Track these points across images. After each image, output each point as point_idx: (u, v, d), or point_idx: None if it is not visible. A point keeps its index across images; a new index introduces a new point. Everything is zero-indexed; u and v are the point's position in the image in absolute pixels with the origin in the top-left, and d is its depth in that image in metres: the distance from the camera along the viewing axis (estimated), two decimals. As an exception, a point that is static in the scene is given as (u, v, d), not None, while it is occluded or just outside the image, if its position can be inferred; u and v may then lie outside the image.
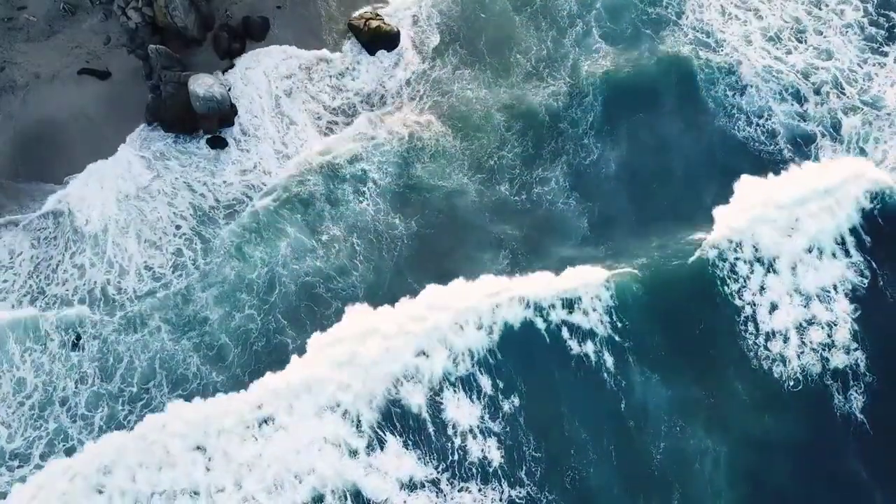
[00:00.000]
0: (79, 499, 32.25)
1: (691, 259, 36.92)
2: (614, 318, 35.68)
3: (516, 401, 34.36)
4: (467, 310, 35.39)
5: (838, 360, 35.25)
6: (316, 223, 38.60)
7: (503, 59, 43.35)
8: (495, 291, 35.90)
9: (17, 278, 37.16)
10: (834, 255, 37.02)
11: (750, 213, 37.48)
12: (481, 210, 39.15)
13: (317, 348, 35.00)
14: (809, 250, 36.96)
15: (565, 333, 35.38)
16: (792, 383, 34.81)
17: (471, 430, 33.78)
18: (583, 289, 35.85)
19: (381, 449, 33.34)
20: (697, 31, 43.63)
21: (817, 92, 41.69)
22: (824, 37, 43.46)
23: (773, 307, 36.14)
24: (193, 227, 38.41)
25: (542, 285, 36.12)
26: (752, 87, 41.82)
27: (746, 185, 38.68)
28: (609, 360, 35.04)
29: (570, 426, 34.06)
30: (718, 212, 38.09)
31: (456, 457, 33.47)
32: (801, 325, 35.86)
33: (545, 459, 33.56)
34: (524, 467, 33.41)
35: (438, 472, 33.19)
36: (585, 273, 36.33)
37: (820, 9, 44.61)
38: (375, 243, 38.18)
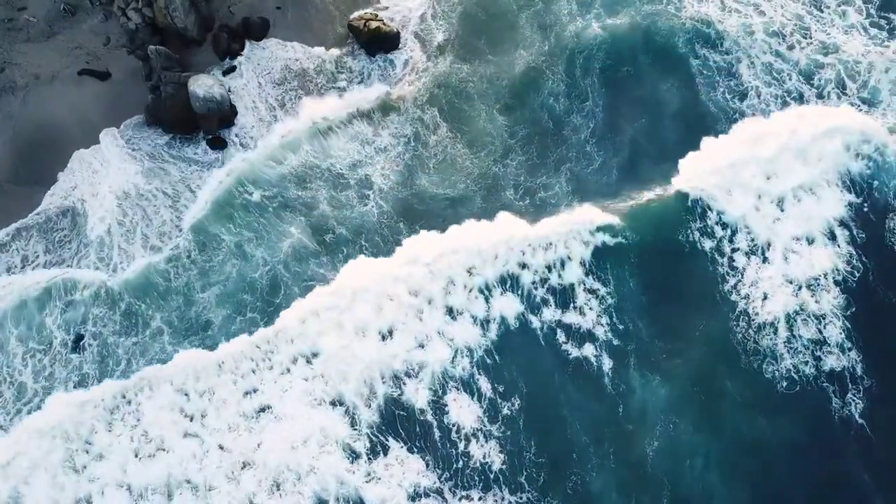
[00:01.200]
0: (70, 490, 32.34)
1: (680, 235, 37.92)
2: (613, 317, 36.01)
3: (516, 402, 34.42)
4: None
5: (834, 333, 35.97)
6: (320, 224, 38.55)
7: (504, 57, 43.37)
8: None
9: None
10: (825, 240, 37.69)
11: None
12: (486, 212, 39.07)
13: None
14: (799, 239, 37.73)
15: (560, 335, 35.59)
16: (785, 384, 34.94)
17: (474, 434, 33.80)
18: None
19: (385, 454, 33.30)
20: (697, 22, 43.62)
21: (820, 95, 41.72)
22: (827, 34, 43.41)
23: (766, 294, 36.63)
24: (188, 221, 38.42)
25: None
26: (752, 90, 41.83)
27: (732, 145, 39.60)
28: (597, 345, 35.59)
29: (570, 428, 34.17)
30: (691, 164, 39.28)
31: (460, 463, 33.43)
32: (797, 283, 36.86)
33: (546, 464, 33.64)
34: (525, 472, 33.47)
35: (441, 482, 33.11)
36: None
37: (821, 11, 44.61)
38: (381, 246, 38.10)
